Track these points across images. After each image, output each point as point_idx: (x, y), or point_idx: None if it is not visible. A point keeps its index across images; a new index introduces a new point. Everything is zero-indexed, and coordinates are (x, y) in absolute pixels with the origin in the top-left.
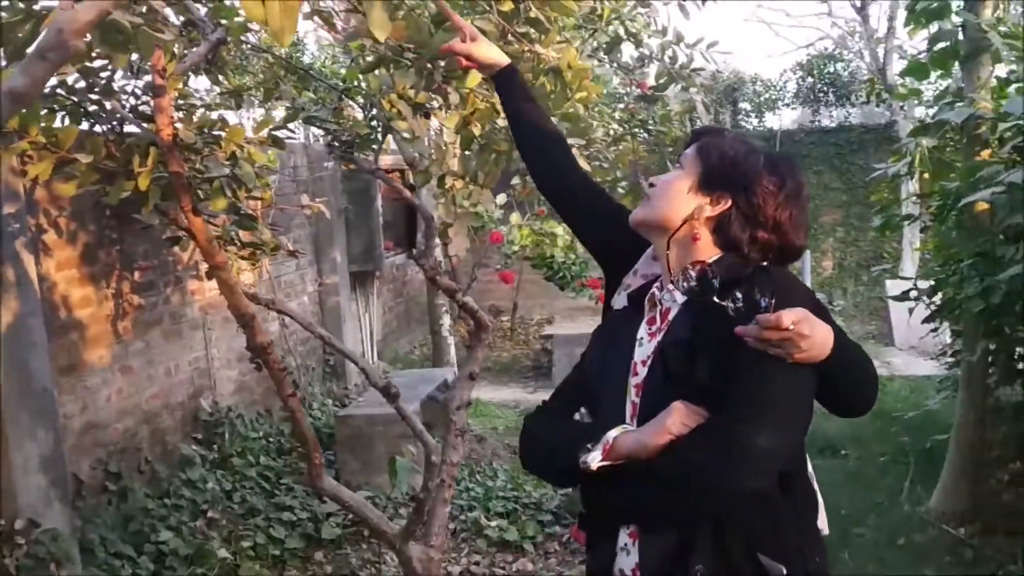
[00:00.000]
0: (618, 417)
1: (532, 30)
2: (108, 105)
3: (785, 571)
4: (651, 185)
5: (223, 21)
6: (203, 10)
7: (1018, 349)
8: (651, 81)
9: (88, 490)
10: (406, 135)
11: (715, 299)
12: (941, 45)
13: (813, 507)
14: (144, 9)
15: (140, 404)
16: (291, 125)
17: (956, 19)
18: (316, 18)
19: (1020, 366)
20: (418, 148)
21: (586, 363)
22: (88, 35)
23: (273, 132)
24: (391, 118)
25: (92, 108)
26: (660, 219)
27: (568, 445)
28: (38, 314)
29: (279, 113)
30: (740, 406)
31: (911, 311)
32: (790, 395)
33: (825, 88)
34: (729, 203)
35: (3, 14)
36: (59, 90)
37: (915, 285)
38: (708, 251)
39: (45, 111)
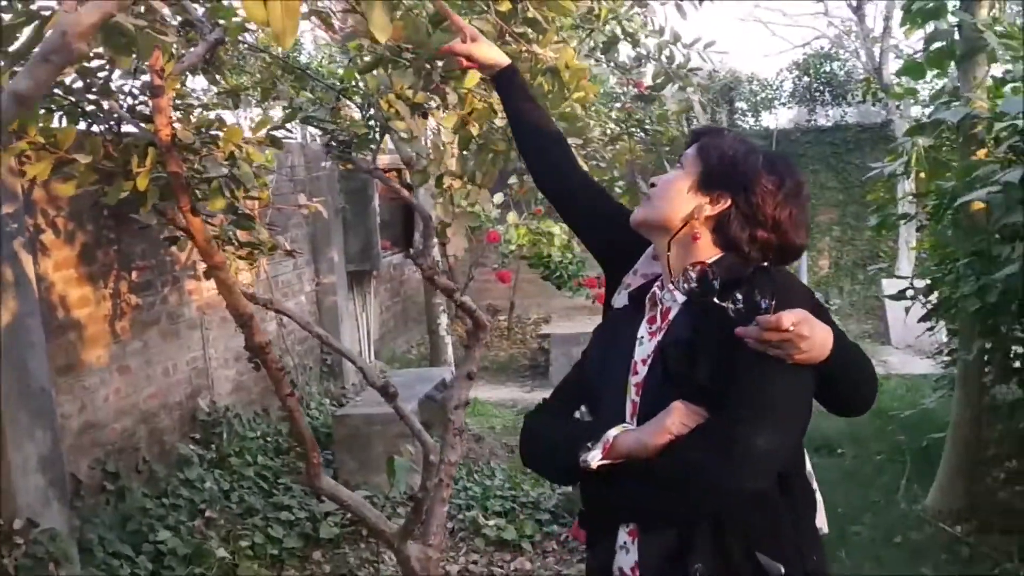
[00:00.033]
0: (618, 416)
1: (530, 30)
2: (106, 105)
3: (783, 570)
4: (652, 185)
5: (221, 21)
6: (200, 10)
7: (1014, 348)
8: (648, 81)
9: (86, 490)
10: (404, 135)
11: (715, 300)
12: (937, 45)
13: (811, 507)
14: (142, 9)
15: (138, 404)
16: (288, 125)
17: (952, 19)
18: (314, 18)
19: (1016, 364)
20: (416, 148)
21: (586, 361)
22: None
23: (271, 132)
24: (389, 118)
25: (90, 108)
26: (660, 219)
27: (568, 443)
28: (36, 314)
29: (276, 113)
30: (740, 407)
31: (907, 310)
32: (790, 396)
33: (821, 87)
34: (729, 202)
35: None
36: (56, 90)
37: (911, 284)
38: (708, 251)
39: (43, 111)
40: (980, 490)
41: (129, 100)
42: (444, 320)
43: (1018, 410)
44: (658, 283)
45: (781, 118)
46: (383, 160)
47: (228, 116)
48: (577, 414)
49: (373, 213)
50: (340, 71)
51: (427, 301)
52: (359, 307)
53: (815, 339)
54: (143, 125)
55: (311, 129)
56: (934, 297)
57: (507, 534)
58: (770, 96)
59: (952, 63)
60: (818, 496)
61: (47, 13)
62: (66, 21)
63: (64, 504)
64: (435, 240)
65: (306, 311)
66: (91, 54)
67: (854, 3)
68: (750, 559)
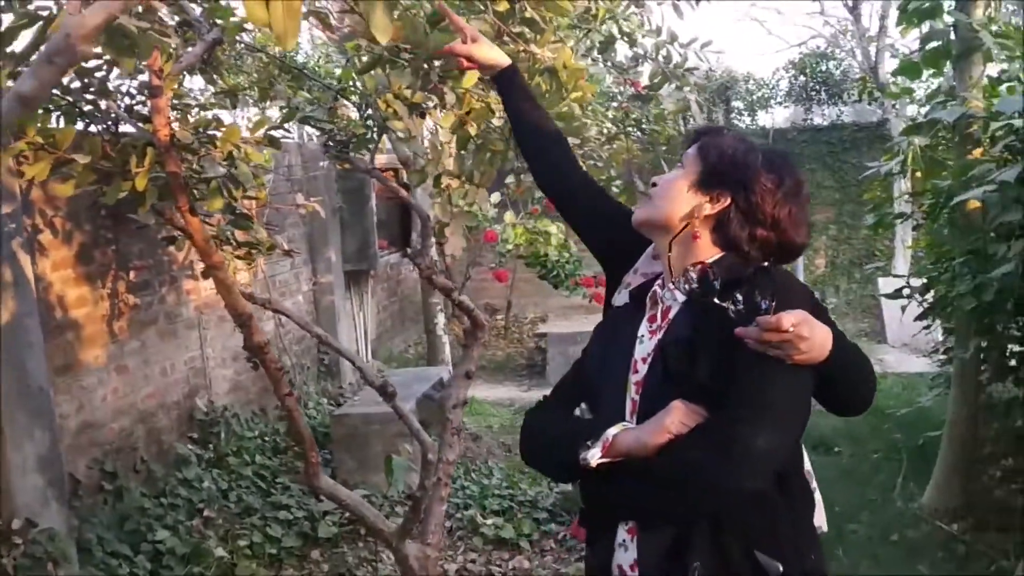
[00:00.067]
0: (618, 414)
1: (527, 30)
2: (103, 105)
3: (782, 569)
4: (653, 184)
5: (219, 21)
6: (198, 10)
7: (1010, 346)
8: (645, 80)
9: (85, 490)
10: (401, 135)
11: (716, 300)
12: (933, 44)
13: (810, 505)
14: (140, 9)
15: (136, 404)
16: (286, 124)
17: (948, 19)
18: (312, 18)
19: (1012, 363)
20: (413, 147)
21: (587, 359)
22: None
23: (269, 132)
24: (387, 118)
25: (87, 108)
26: (661, 218)
27: (568, 441)
28: (34, 314)
29: (273, 112)
30: (740, 407)
31: (904, 308)
32: (789, 396)
33: (817, 86)
34: (728, 201)
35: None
36: (54, 90)
37: (908, 283)
38: (708, 250)
39: (41, 111)
40: (976, 488)
41: (126, 100)
42: (441, 319)
43: (1014, 408)
44: (659, 282)
45: (777, 117)
46: (380, 160)
47: (225, 116)
48: (577, 411)
49: (370, 213)
50: (337, 71)
51: (424, 300)
52: (356, 307)
53: (815, 340)
54: (141, 125)
55: (308, 128)
56: (930, 296)
57: (505, 533)
58: (766, 95)
59: (948, 63)
60: (817, 495)
61: (44, 13)
62: (70, 23)
63: (62, 504)
64: (433, 240)
65: (303, 311)
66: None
67: (850, 2)
68: (748, 558)
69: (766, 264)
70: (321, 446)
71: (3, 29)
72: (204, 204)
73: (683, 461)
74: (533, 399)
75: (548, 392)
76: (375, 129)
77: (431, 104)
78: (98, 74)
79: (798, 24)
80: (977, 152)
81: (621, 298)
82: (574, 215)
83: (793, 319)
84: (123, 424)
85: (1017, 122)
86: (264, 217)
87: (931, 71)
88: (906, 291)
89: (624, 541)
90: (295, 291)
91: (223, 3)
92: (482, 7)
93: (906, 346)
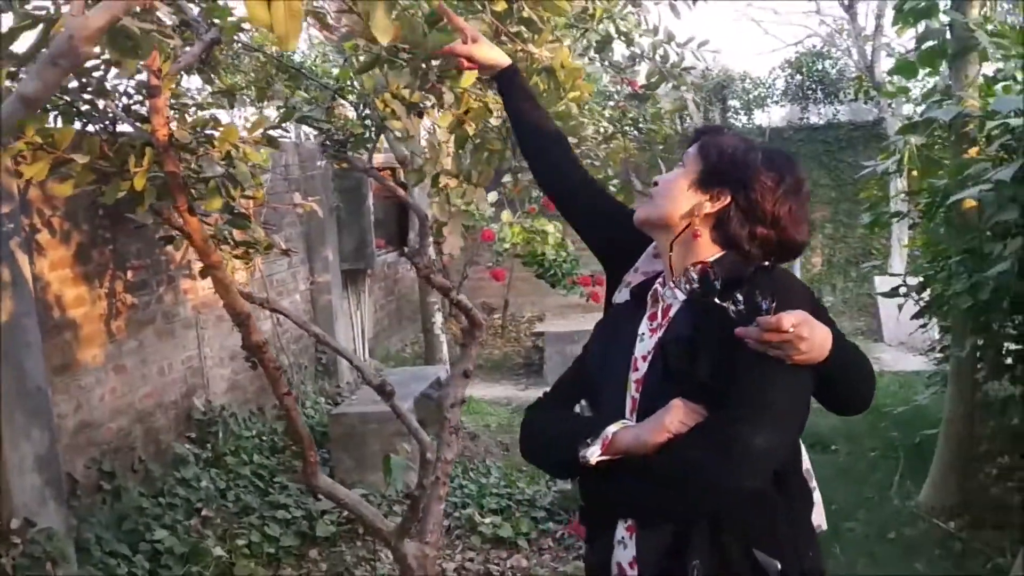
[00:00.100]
0: (618, 412)
1: (525, 30)
2: (101, 104)
3: (780, 567)
4: (654, 184)
5: (216, 21)
6: (196, 10)
7: (1006, 344)
8: (641, 80)
9: (83, 489)
10: (399, 134)
11: (716, 300)
12: (929, 44)
13: (808, 504)
14: (138, 9)
15: (133, 403)
16: (284, 124)
17: (944, 18)
18: (310, 18)
19: (1008, 361)
20: (411, 147)
21: (587, 356)
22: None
23: (267, 131)
24: (385, 117)
25: (84, 108)
26: (661, 217)
27: (568, 439)
28: (32, 314)
29: (269, 112)
30: (739, 406)
31: (900, 307)
32: (789, 396)
33: (813, 85)
34: (728, 200)
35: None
36: None
37: (904, 281)
38: (709, 249)
39: (38, 111)
40: (973, 486)
41: (124, 100)
42: (439, 318)
43: (1010, 406)
44: (660, 279)
45: (774, 116)
46: (377, 159)
47: (222, 116)
48: (577, 408)
49: (367, 212)
50: (334, 70)
51: (422, 299)
52: (353, 306)
53: (815, 340)
54: (139, 125)
55: (305, 128)
56: (927, 294)
57: (503, 532)
58: (763, 94)
59: (944, 62)
60: (817, 494)
61: (41, 13)
62: (73, 25)
63: (61, 503)
64: (431, 239)
65: (301, 310)
66: None
67: (846, 2)
68: (747, 556)
69: (767, 263)
70: (319, 445)
71: (4, 30)
72: (202, 204)
73: (683, 460)
74: (530, 398)
75: (546, 390)
76: (373, 128)
77: (429, 104)
78: (96, 74)
79: (794, 23)
80: (973, 151)
81: (622, 296)
82: (574, 215)
83: (793, 319)
84: (121, 424)
85: (1013, 121)
86: (261, 216)
87: (927, 70)
88: (902, 289)
89: (623, 539)
90: (292, 290)
91: (221, 3)
92: (479, 7)
93: (903, 344)
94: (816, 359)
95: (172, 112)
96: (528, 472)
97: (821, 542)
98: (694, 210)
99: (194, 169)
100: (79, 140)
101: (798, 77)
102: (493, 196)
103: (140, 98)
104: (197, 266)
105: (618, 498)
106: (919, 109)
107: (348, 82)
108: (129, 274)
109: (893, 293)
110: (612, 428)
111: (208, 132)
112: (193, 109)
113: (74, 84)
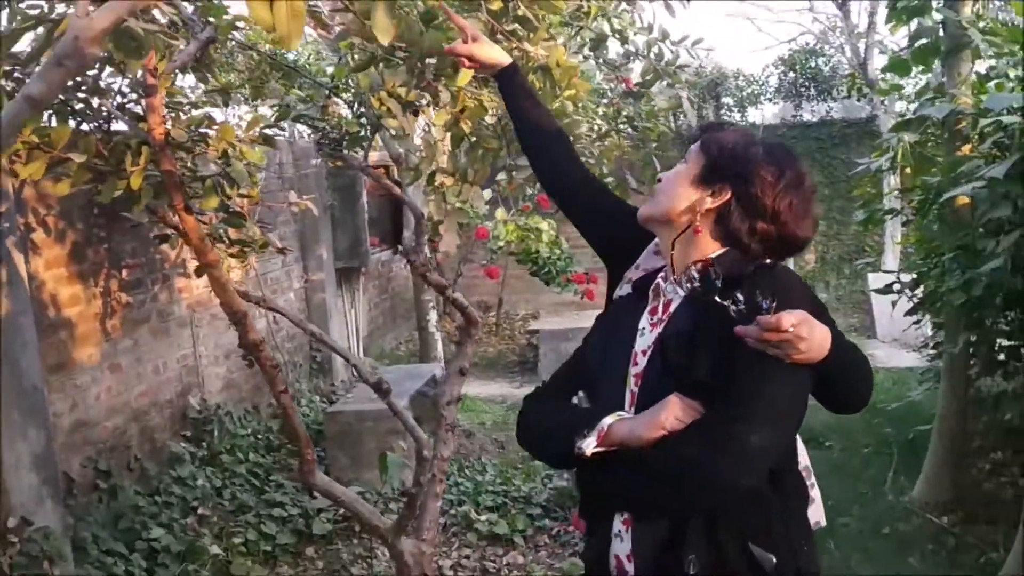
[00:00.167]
0: (617, 406)
1: (520, 28)
2: (95, 103)
3: (775, 560)
4: (658, 180)
5: (211, 19)
6: (190, 8)
7: (999, 340)
8: (636, 77)
9: (79, 488)
10: (395, 132)
11: (717, 298)
12: (922, 41)
13: (803, 500)
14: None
15: (129, 402)
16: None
17: (936, 16)
18: (308, 18)
19: (1000, 357)
20: (406, 145)
21: (587, 349)
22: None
23: (264, 130)
24: (380, 116)
25: (79, 106)
26: (663, 213)
27: (565, 430)
28: (28, 313)
29: (263, 110)
30: (738, 405)
31: (893, 304)
32: (787, 395)
33: (807, 83)
34: (729, 195)
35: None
36: None
37: (897, 278)
38: (710, 245)
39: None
40: (966, 481)
41: (118, 98)
42: (433, 316)
43: (1003, 402)
44: (662, 273)
45: (767, 113)
46: (371, 157)
47: (216, 114)
48: (575, 400)
49: (361, 210)
50: (329, 69)
51: (416, 297)
52: (348, 304)
53: (814, 340)
54: (135, 124)
55: (299, 126)
56: (920, 291)
57: (499, 529)
58: (756, 92)
59: (937, 59)
60: (816, 492)
61: (35, 12)
62: (78, 26)
63: (57, 502)
64: (427, 237)
65: (295, 308)
66: None
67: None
68: (743, 550)
69: (768, 261)
70: (314, 443)
71: (4, 30)
72: (199, 202)
73: (679, 457)
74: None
75: (545, 379)
76: (369, 127)
77: (424, 102)
78: (90, 72)
79: (788, 21)
80: (966, 148)
81: (624, 290)
82: (575, 213)
83: (793, 319)
84: (117, 422)
85: (1006, 118)
86: (256, 215)
87: (920, 68)
88: (896, 286)
89: (620, 532)
90: (287, 289)
91: (215, 1)
92: (476, 5)
93: (896, 341)
94: (815, 359)
95: (167, 111)
96: (524, 469)
97: (815, 538)
98: (695, 206)
99: (190, 168)
100: (75, 139)
101: (791, 74)
102: (487, 194)
103: (135, 96)
104: (192, 265)
105: (614, 491)
106: (912, 106)
107: (343, 80)
108: (124, 273)
109: (887, 290)
110: (608, 419)
111: (202, 131)
112: (187, 107)
113: (69, 83)
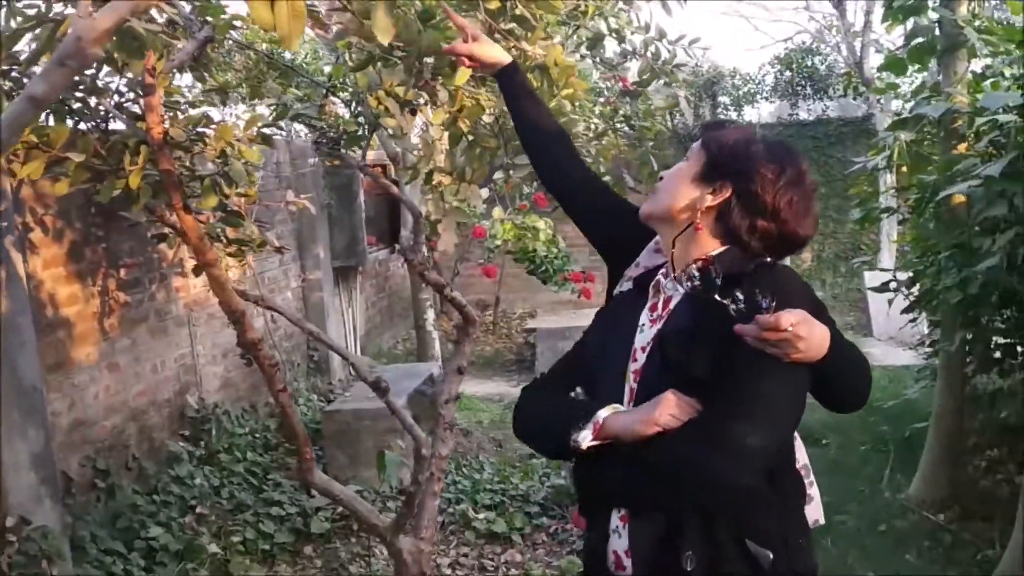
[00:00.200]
0: (616, 401)
1: (517, 27)
2: (93, 102)
3: (772, 556)
4: (660, 178)
5: (209, 19)
6: (188, 7)
7: (995, 338)
8: (633, 77)
9: (77, 487)
10: (393, 131)
11: (716, 297)
12: (918, 40)
13: (800, 498)
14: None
15: (127, 401)
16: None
17: (932, 15)
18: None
19: (997, 355)
20: (404, 144)
21: (587, 346)
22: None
23: (262, 129)
24: (378, 115)
25: (77, 106)
26: (664, 211)
27: (561, 423)
28: (27, 312)
29: (261, 109)
30: (736, 403)
31: (890, 302)
32: (785, 394)
33: (803, 82)
34: (730, 192)
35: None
36: None
37: (894, 277)
38: (710, 243)
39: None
40: (962, 479)
41: (116, 97)
42: (431, 315)
43: (999, 400)
44: (663, 270)
45: (763, 112)
46: (368, 156)
47: (214, 113)
48: (572, 394)
49: (359, 209)
50: (326, 68)
51: (413, 296)
52: (345, 303)
53: (813, 339)
54: (133, 123)
55: (296, 125)
56: (916, 289)
57: (497, 527)
58: (752, 90)
59: (933, 58)
60: (815, 490)
61: (32, 12)
62: (81, 26)
63: (56, 502)
64: (424, 235)
65: (292, 307)
66: None
67: None
68: (740, 546)
69: (768, 259)
70: (312, 442)
71: (4, 30)
72: (197, 202)
73: (675, 454)
74: (523, 387)
75: (543, 372)
76: (366, 126)
77: (422, 101)
78: (88, 71)
79: (784, 20)
80: (962, 147)
81: (624, 287)
82: (576, 211)
83: (792, 319)
84: (115, 422)
85: (1001, 117)
86: (254, 214)
87: (916, 67)
88: (892, 285)
89: (617, 528)
90: (284, 288)
91: (213, 1)
92: (474, 5)
93: (892, 339)
94: (814, 358)
95: (165, 110)
96: (522, 467)
97: (813, 535)
98: (696, 203)
99: (188, 167)
100: (73, 138)
101: (787, 73)
102: (485, 193)
103: (133, 96)
104: (190, 264)
105: (610, 486)
106: (908, 105)
107: (341, 79)
108: (122, 272)
109: (883, 288)
110: (603, 413)
111: (201, 130)
112: (185, 107)
113: None
